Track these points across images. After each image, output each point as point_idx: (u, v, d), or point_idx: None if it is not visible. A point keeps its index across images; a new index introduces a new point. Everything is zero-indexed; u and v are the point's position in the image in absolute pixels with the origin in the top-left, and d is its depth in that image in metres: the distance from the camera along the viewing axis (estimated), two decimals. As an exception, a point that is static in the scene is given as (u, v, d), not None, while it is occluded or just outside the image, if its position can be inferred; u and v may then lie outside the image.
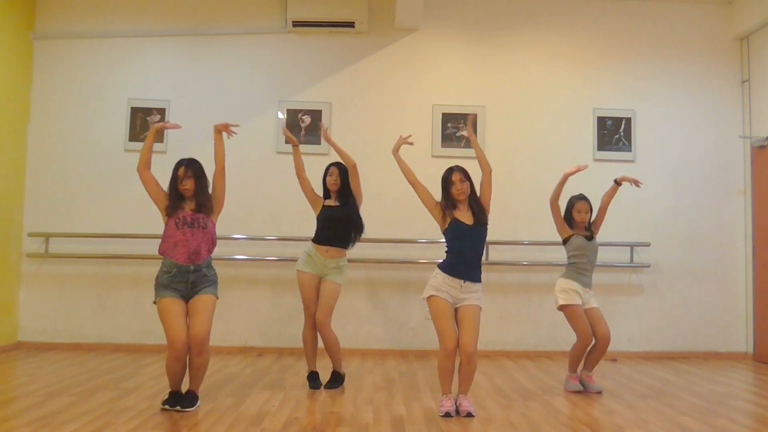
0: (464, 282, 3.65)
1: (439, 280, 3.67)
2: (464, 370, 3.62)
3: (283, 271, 5.79)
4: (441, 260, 3.79)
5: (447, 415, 3.57)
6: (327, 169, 4.48)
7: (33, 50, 5.97)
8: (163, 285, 3.63)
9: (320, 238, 4.34)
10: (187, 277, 3.64)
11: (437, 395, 3.83)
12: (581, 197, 4.47)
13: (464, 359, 3.59)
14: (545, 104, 6.11)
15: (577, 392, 4.29)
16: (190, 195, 3.73)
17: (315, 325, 4.26)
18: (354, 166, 4.34)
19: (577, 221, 4.43)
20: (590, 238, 4.43)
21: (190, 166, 3.74)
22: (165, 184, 3.77)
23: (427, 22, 6.08)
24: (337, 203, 4.39)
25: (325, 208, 4.39)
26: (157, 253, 3.75)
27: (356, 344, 5.72)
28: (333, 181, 4.39)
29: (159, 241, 3.73)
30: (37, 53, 5.99)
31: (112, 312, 5.76)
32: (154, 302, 3.67)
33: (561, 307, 4.38)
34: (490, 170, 3.82)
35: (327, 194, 4.49)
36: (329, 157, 5.56)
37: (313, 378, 4.33)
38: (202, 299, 3.65)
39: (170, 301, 3.60)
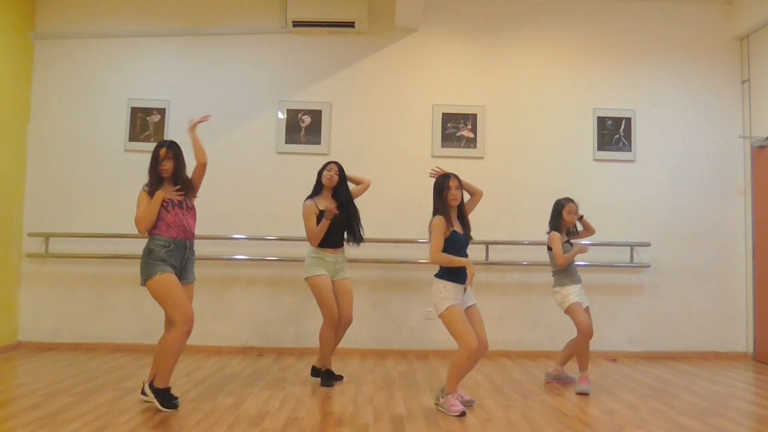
0: (462, 285, 3.72)
1: (450, 290, 3.70)
2: (479, 360, 3.86)
3: (282, 271, 5.79)
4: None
5: (463, 414, 3.59)
6: (326, 165, 4.48)
7: (33, 50, 5.97)
8: (162, 259, 3.59)
9: (326, 243, 4.35)
10: (183, 252, 3.67)
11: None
12: (571, 200, 4.50)
13: (483, 352, 3.77)
14: (545, 104, 6.10)
15: (582, 393, 4.25)
16: (168, 176, 3.72)
17: (336, 325, 4.35)
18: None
19: (568, 222, 4.46)
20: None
21: (171, 148, 3.74)
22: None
23: (427, 22, 6.08)
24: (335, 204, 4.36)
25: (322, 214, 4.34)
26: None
27: (356, 344, 5.71)
28: (330, 176, 4.40)
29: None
30: (37, 53, 5.99)
31: (112, 312, 5.76)
32: (145, 282, 3.57)
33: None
34: (482, 193, 4.02)
35: (318, 190, 4.46)
36: (330, 157, 5.56)
37: (328, 376, 4.43)
38: (189, 289, 3.73)
39: (172, 277, 3.57)
